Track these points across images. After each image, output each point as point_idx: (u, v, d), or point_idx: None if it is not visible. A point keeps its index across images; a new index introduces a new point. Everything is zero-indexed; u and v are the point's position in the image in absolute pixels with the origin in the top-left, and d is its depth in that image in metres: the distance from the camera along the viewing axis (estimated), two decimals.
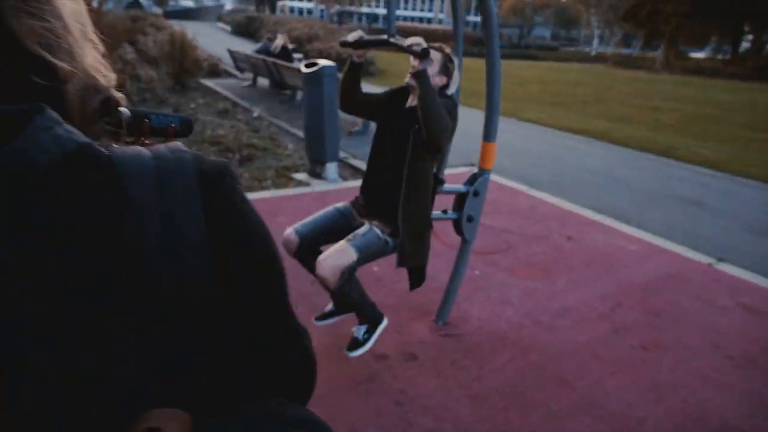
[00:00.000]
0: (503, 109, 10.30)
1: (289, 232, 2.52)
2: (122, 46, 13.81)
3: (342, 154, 6.62)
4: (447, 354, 2.84)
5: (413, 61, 2.26)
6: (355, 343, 2.58)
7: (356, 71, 2.51)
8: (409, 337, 2.98)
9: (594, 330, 3.15)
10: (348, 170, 6.42)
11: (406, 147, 2.38)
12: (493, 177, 6.13)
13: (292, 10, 63.59)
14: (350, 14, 54.63)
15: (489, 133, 2.91)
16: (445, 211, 2.96)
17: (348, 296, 2.40)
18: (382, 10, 70.59)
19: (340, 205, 2.67)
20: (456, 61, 2.52)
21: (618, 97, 15.48)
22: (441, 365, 2.75)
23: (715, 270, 4.11)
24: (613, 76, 24.98)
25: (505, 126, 9.49)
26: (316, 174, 5.89)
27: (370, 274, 3.65)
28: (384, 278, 3.62)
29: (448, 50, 2.50)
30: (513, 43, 51.81)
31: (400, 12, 73.84)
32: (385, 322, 2.69)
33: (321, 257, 2.33)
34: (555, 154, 7.65)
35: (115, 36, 11.50)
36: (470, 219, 2.95)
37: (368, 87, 12.08)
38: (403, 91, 2.56)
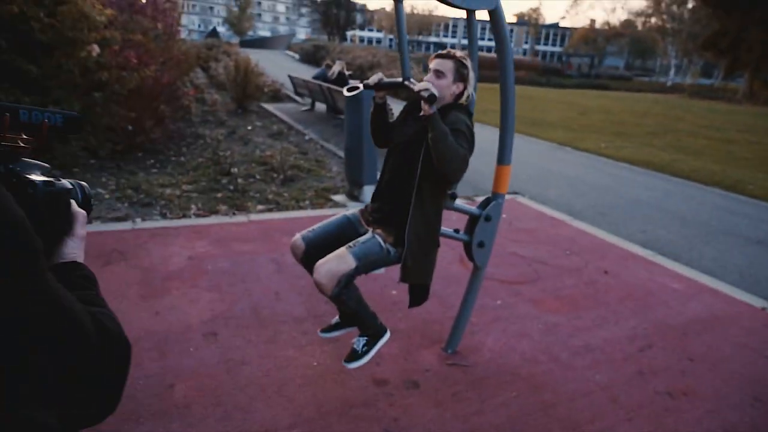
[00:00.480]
0: (560, 137, 10.13)
1: (296, 237, 2.51)
2: (195, 71, 14.72)
3: None
4: (450, 384, 2.72)
5: (424, 105, 2.20)
6: (354, 355, 2.50)
7: (380, 111, 2.51)
8: (415, 364, 2.88)
9: (616, 371, 2.92)
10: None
11: (418, 161, 2.33)
12: (535, 206, 5.96)
13: (362, 39, 65.46)
14: (418, 44, 55.53)
15: (503, 156, 2.83)
16: (457, 231, 2.87)
17: (345, 304, 2.34)
18: (450, 39, 71.38)
19: (349, 212, 2.65)
20: (470, 63, 2.45)
21: (689, 128, 14.67)
22: (442, 395, 2.63)
23: None
24: (688, 106, 23.76)
25: (558, 155, 9.23)
26: (354, 196, 5.93)
27: (388, 297, 3.61)
28: (401, 302, 3.53)
29: (459, 54, 2.43)
30: (583, 73, 50.70)
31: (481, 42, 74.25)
32: (387, 336, 2.60)
33: (319, 262, 2.29)
34: (607, 185, 7.31)
35: (188, 62, 12.21)
36: (482, 245, 2.84)
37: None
38: (416, 103, 2.51)
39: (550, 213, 5.79)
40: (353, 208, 2.64)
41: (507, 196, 6.21)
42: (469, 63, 2.42)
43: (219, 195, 5.59)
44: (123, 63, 7.18)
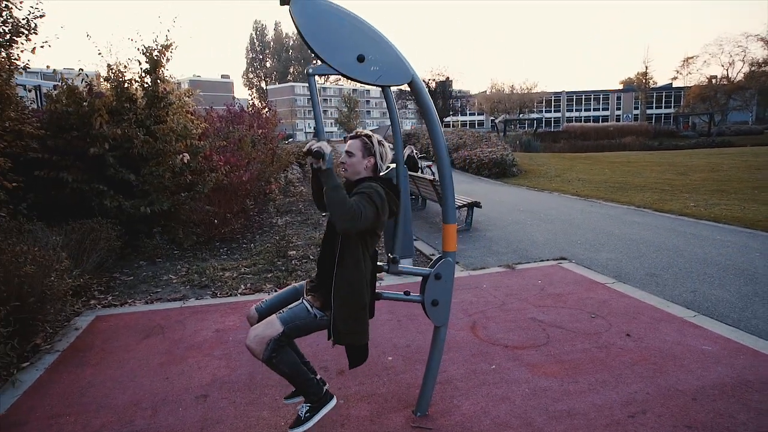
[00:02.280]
0: (642, 200, 9.74)
1: (252, 308, 2.81)
2: (290, 168, 16.28)
3: (429, 251, 6.78)
4: None
5: (313, 160, 2.44)
6: (297, 421, 2.65)
7: (317, 176, 2.77)
8: (380, 427, 2.92)
9: None
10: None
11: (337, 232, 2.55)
12: (578, 270, 5.73)
13: (464, 123, 67.35)
14: (515, 121, 55.90)
15: (447, 216, 2.94)
16: (407, 293, 2.98)
17: (277, 368, 2.52)
18: (553, 114, 70.92)
19: (298, 284, 2.90)
20: (375, 138, 2.68)
21: None
22: None
23: None
24: None
25: (631, 218, 8.74)
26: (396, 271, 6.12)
27: (381, 363, 3.70)
28: (393, 369, 3.62)
29: (363, 133, 2.69)
30: (702, 132, 47.20)
31: (572, 114, 73.24)
32: (332, 404, 2.73)
33: (252, 328, 2.54)
34: (674, 246, 6.75)
35: (281, 160, 13.61)
36: (435, 303, 2.91)
37: (509, 187, 12.31)
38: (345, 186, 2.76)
39: (591, 276, 5.50)
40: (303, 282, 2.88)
41: (550, 263, 6.10)
42: (374, 139, 2.67)
43: (269, 275, 6.11)
44: (212, 166, 8.35)
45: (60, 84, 7.20)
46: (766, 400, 2.99)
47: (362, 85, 2.81)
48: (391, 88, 2.73)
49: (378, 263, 2.78)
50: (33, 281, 3.95)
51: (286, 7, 2.43)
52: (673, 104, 69.76)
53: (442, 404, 3.12)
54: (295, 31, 2.90)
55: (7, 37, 6.30)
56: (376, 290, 2.77)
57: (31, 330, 4.00)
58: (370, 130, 2.83)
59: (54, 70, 7.50)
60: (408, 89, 3.06)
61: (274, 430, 2.90)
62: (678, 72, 59.84)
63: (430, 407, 3.05)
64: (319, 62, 2.50)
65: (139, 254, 7.03)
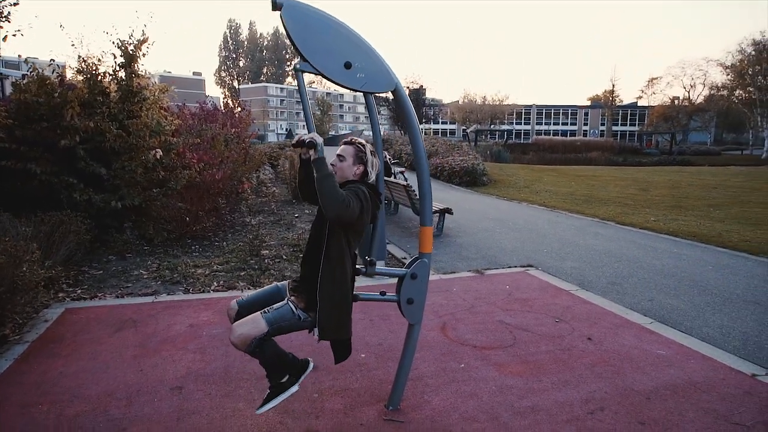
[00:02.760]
0: (606, 213, 10.11)
1: (232, 302, 2.88)
2: (263, 168, 16.21)
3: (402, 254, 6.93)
4: None
5: (306, 150, 2.55)
6: (282, 387, 2.71)
7: (305, 166, 2.85)
8: (352, 419, 3.02)
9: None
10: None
11: (326, 227, 2.65)
12: (544, 277, 5.95)
13: (436, 132, 68.02)
14: (487, 132, 56.88)
15: (424, 219, 3.07)
16: (383, 293, 3.10)
17: (259, 357, 2.60)
18: (522, 126, 72.34)
19: (280, 283, 2.98)
20: (369, 148, 2.80)
21: (764, 199, 13.74)
22: None
23: (757, 382, 3.47)
24: None
25: (594, 230, 9.09)
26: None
27: (354, 361, 3.78)
28: (366, 365, 3.73)
29: (359, 141, 2.81)
30: (664, 150, 48.94)
31: (542, 127, 74.94)
32: (311, 366, 2.81)
33: (235, 324, 2.61)
34: (634, 257, 7.07)
35: (254, 160, 13.54)
36: (410, 301, 3.04)
37: (479, 196, 12.57)
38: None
39: (556, 283, 5.73)
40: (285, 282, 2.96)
41: (518, 269, 6.29)
42: (367, 148, 2.79)
43: (242, 273, 6.14)
44: (185, 163, 8.30)
45: (30, 73, 7.07)
46: (713, 400, 3.22)
47: (337, 88, 2.92)
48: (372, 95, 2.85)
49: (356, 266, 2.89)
50: (3, 272, 3.91)
51: (266, 9, 2.53)
52: (637, 122, 72.20)
53: (413, 399, 3.24)
54: (283, 33, 3.00)
55: None
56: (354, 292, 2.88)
57: (0, 320, 3.95)
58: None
59: (26, 59, 7.36)
60: (384, 96, 3.19)
61: (250, 421, 2.96)
62: (643, 91, 62.11)
63: (402, 402, 3.17)
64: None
65: (108, 249, 6.94)
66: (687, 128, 57.13)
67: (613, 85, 72.16)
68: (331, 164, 2.76)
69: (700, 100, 57.73)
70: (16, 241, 4.36)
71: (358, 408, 3.14)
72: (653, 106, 60.30)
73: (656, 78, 59.36)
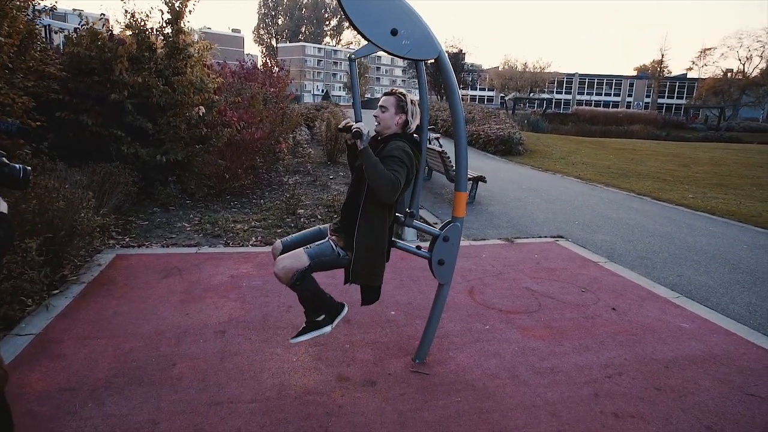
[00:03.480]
0: (643, 187, 9.96)
1: (277, 241, 3.09)
2: (300, 128, 16.40)
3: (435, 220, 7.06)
4: (404, 386, 3.04)
5: (354, 140, 2.70)
6: (317, 324, 2.94)
7: (351, 148, 2.99)
8: (381, 369, 3.24)
9: (571, 392, 3.04)
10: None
11: (365, 184, 2.80)
12: (574, 248, 6.02)
13: (473, 98, 66.74)
14: (525, 100, 55.54)
15: (459, 185, 3.18)
16: (419, 247, 3.26)
17: (300, 292, 2.80)
18: (564, 96, 70.25)
19: (323, 226, 3.17)
20: (409, 97, 2.92)
21: None
22: (391, 394, 2.96)
23: None
24: None
25: (630, 204, 9.00)
26: (398, 235, 6.41)
27: (385, 317, 3.99)
28: (395, 322, 3.93)
29: (399, 90, 2.93)
30: (711, 126, 46.98)
31: (583, 97, 72.60)
32: (345, 310, 3.03)
33: (279, 257, 2.82)
34: (667, 233, 7.02)
35: (291, 121, 13.72)
36: (441, 262, 3.18)
37: (514, 165, 12.61)
38: (374, 139, 2.98)
39: (585, 255, 5.79)
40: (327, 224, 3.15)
41: (548, 239, 6.37)
42: (407, 97, 2.90)
43: (279, 230, 6.39)
44: (225, 121, 8.54)
45: (81, 26, 7.31)
46: (731, 372, 3.31)
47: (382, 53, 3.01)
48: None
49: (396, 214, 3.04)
50: (64, 216, 4.22)
51: None
52: (685, 95, 69.11)
53: (439, 355, 3.43)
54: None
55: None
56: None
57: (60, 261, 4.29)
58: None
59: (80, 12, 7.60)
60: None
61: (287, 365, 3.21)
62: (694, 63, 59.32)
63: (428, 356, 3.36)
64: (359, 46, 2.71)
65: (153, 201, 7.29)
66: (738, 103, 54.49)
67: (663, 55, 68.95)
68: (374, 115, 2.89)
69: (756, 73, 54.77)
70: (74, 189, 4.67)
71: (387, 359, 3.35)
72: (704, 79, 57.57)
73: (710, 49, 56.64)
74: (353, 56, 2.79)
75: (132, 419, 2.60)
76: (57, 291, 4.09)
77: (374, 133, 2.92)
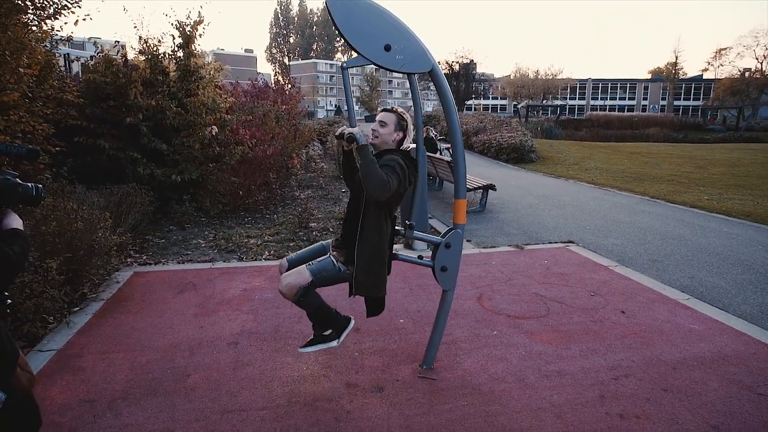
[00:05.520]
0: (657, 191, 9.88)
1: (283, 260, 3.18)
2: (312, 144, 16.64)
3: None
4: (411, 392, 3.10)
5: (346, 143, 2.80)
6: (324, 338, 3.02)
7: (347, 157, 3.10)
8: (389, 375, 3.30)
9: (578, 394, 3.06)
10: None
11: (363, 196, 2.90)
12: (584, 253, 6.02)
13: (486, 108, 66.73)
14: (538, 107, 55.38)
15: (459, 192, 3.26)
16: (420, 257, 3.33)
17: (305, 306, 2.90)
18: (577, 102, 69.87)
19: (325, 241, 3.26)
20: (409, 118, 3.01)
21: None
22: (398, 399, 3.02)
23: None
24: None
25: (642, 207, 8.95)
26: (409, 245, 6.48)
27: (393, 325, 4.06)
28: (403, 329, 3.99)
29: (399, 110, 3.03)
30: (730, 126, 46.25)
31: (597, 102, 72.13)
32: (351, 324, 3.09)
33: (283, 275, 2.92)
34: (680, 235, 6.98)
35: (303, 137, 13.95)
36: (444, 269, 3.25)
37: (526, 173, 12.69)
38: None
39: (595, 259, 5.79)
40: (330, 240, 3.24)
41: (558, 245, 6.38)
42: (408, 117, 3.00)
43: (291, 244, 6.51)
44: (238, 139, 8.74)
45: (97, 54, 7.59)
46: (739, 372, 3.30)
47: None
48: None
49: (396, 227, 3.12)
50: (82, 236, 4.38)
51: None
52: (702, 96, 68.21)
53: (447, 360, 3.48)
54: (322, 8, 3.23)
55: (51, 10, 6.68)
56: (393, 251, 3.12)
57: (79, 280, 4.44)
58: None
59: (94, 41, 7.88)
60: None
61: (297, 373, 3.29)
62: (709, 63, 58.48)
63: (436, 362, 3.41)
64: (352, 56, 2.83)
65: (169, 219, 7.47)
66: (757, 103, 53.59)
67: (677, 57, 68.14)
68: (372, 129, 2.99)
69: None
70: (92, 210, 4.84)
71: (395, 366, 3.41)
72: (720, 79, 56.76)
73: (725, 48, 55.75)
74: (345, 65, 2.90)
75: (148, 428, 2.70)
76: (77, 308, 4.24)
77: (370, 140, 3.01)
